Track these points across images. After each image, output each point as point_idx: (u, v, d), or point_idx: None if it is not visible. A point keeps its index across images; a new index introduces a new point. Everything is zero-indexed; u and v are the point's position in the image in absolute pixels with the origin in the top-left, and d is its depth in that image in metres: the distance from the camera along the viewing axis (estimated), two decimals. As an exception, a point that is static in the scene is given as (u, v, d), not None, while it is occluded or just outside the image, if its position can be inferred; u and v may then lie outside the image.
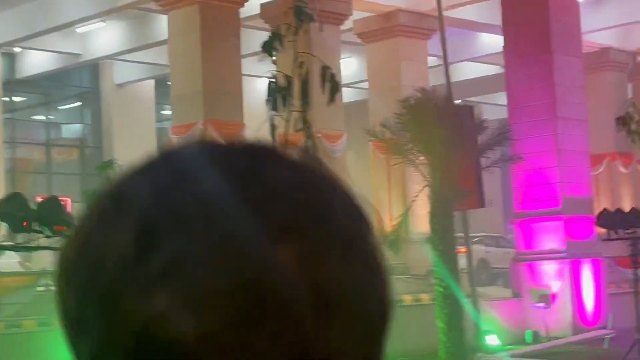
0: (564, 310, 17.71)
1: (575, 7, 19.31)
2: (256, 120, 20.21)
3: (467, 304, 16.48)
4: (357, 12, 25.39)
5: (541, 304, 17.90)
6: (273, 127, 7.48)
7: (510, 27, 19.15)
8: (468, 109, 17.05)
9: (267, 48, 8.02)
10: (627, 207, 28.36)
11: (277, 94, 7.19)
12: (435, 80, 28.24)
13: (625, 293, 21.04)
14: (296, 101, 7.58)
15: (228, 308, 0.59)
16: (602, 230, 26.76)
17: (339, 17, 24.23)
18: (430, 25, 24.73)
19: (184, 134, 20.64)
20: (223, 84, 21.44)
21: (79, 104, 34.78)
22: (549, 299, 17.84)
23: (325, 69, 6.74)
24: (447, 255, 14.10)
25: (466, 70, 33.66)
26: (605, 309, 18.08)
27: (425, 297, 17.71)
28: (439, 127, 14.05)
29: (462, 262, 23.09)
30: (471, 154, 16.22)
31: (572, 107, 18.38)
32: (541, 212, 18.02)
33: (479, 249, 29.37)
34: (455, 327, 14.13)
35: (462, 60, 31.25)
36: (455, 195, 15.93)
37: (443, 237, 14.03)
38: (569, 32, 18.78)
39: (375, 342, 0.66)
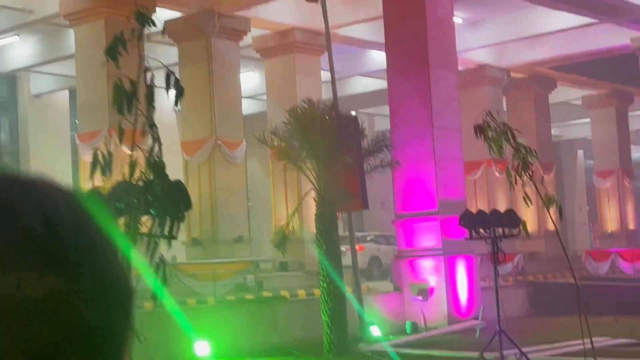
0: (440, 302, 18.38)
1: (450, 26, 19.96)
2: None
3: (351, 298, 17.17)
4: (257, 30, 25.56)
5: (420, 297, 18.48)
6: (121, 131, 7.59)
7: (392, 45, 19.73)
8: (352, 119, 17.56)
9: (111, 53, 8.03)
10: (502, 209, 29.78)
11: (123, 98, 7.29)
12: (329, 93, 30.29)
13: (487, 287, 23.19)
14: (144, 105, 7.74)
15: None
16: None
17: (238, 34, 24.57)
18: (323, 42, 24.80)
19: (90, 141, 20.34)
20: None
21: (-4, 114, 36.94)
22: (427, 292, 18.45)
23: (169, 75, 6.87)
24: (331, 253, 14.47)
25: (360, 84, 34.00)
26: (477, 302, 18.72)
27: (317, 292, 18.10)
28: (324, 135, 14.50)
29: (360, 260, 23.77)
30: (355, 160, 16.67)
31: (447, 118, 19.00)
32: (420, 213, 18.66)
33: (371, 247, 30.77)
34: (339, 320, 14.55)
35: (353, 75, 31.88)
36: (341, 198, 16.55)
37: (327, 236, 14.40)
38: (445, 49, 19.45)
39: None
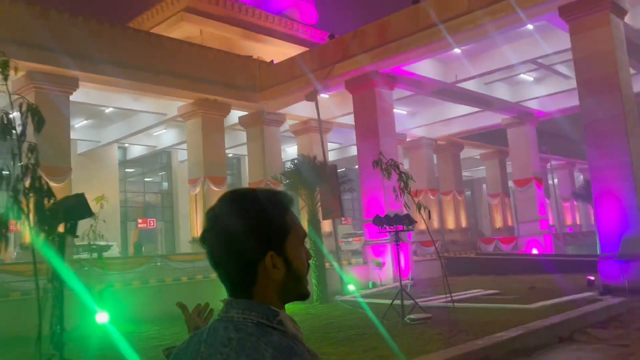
0: (389, 270, 20.25)
1: (391, 113, 22.16)
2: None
3: (338, 269, 18.74)
4: (290, 120, 27.89)
5: (377, 267, 20.56)
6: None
7: (359, 127, 22.28)
8: (334, 167, 19.69)
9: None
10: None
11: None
12: (334, 155, 33.33)
13: (423, 260, 24.75)
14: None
15: (217, 231, 1.13)
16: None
17: (278, 123, 26.96)
18: (327, 126, 27.51)
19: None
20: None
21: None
22: (382, 264, 20.46)
23: (32, 110, 6.54)
24: (318, 243, 16.44)
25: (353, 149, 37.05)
26: (411, 269, 20.81)
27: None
28: (312, 175, 16.66)
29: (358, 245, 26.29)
30: (335, 190, 18.81)
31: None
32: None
33: (351, 241, 32.57)
34: (322, 281, 16.58)
35: (350, 145, 34.44)
36: (327, 211, 18.79)
37: (315, 234, 16.41)
38: (387, 125, 21.73)
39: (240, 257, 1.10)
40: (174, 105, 25.05)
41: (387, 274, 20.81)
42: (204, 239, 1.12)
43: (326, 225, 23.83)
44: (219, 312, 1.13)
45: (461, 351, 7.63)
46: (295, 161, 17.36)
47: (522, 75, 26.05)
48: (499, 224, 37.28)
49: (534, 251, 29.17)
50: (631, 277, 15.70)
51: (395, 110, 29.92)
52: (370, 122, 21.77)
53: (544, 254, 27.23)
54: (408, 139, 33.30)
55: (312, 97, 21.18)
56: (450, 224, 35.72)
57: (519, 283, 19.37)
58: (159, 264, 19.66)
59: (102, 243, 26.21)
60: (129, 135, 29.60)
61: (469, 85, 25.33)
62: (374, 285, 20.54)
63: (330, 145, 30.89)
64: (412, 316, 11.52)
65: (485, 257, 26.44)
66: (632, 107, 16.01)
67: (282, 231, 1.11)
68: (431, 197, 32.73)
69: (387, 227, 12.85)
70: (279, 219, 1.11)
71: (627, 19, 17.18)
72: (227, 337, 1.06)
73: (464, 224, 36.32)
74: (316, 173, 17.18)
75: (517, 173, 31.02)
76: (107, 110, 26.55)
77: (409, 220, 12.69)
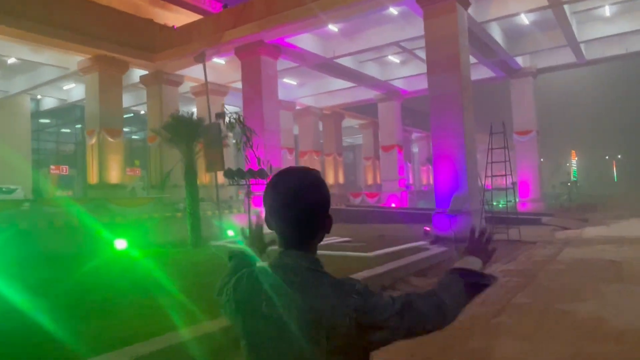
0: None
1: (274, 78, 20.06)
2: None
3: (214, 218, 16.94)
4: (191, 82, 25.23)
5: (254, 216, 20.03)
6: None
7: (245, 88, 20.10)
8: (217, 125, 16.46)
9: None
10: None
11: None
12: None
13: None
14: None
15: (274, 204, 1.20)
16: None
17: (177, 84, 24.23)
18: (225, 90, 26.16)
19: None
20: None
21: None
22: (259, 214, 19.59)
23: None
24: (193, 193, 14.45)
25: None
26: None
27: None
28: (191, 129, 14.28)
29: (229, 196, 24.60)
30: (218, 146, 16.25)
31: (272, 125, 19.36)
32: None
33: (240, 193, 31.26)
34: (195, 227, 14.46)
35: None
36: (211, 165, 16.47)
37: (191, 183, 14.43)
38: (271, 91, 19.90)
39: (315, 221, 1.20)
40: (76, 60, 22.02)
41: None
42: (285, 206, 1.19)
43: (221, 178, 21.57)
44: (274, 258, 1.19)
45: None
46: (175, 116, 14.69)
47: (389, 57, 24.81)
48: (370, 181, 36.90)
49: (393, 205, 28.74)
50: (457, 228, 15.08)
51: (286, 80, 27.96)
52: (255, 88, 19.75)
53: (399, 207, 26.84)
54: (298, 107, 31.43)
55: (200, 59, 18.80)
56: (330, 180, 34.65)
57: (374, 231, 18.50)
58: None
59: (6, 187, 22.71)
60: (35, 87, 25.93)
61: (346, 62, 23.79)
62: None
63: (230, 108, 28.15)
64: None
65: (352, 208, 25.42)
66: (467, 85, 15.17)
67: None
68: (315, 158, 31.48)
69: (238, 179, 11.91)
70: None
71: (470, 10, 16.13)
72: (289, 279, 1.15)
73: (341, 180, 35.44)
74: (194, 129, 14.80)
75: (384, 140, 30.34)
76: (10, 61, 22.88)
77: (260, 174, 10.51)
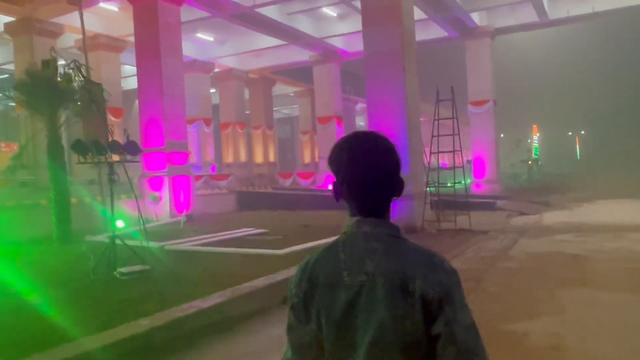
0: (165, 205, 17.42)
1: (176, 28, 18.27)
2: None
3: (96, 204, 14.12)
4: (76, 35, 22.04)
5: (153, 202, 17.41)
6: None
7: (140, 36, 18.30)
8: (98, 86, 16.34)
9: None
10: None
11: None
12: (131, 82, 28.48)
13: (208, 195, 22.12)
14: None
15: (348, 169, 1.27)
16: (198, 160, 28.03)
17: (55, 34, 21.89)
18: (123, 45, 24.12)
19: None
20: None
21: None
22: (158, 199, 17.40)
23: None
24: (58, 174, 12.86)
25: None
26: (191, 204, 18.05)
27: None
28: (52, 91, 12.33)
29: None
30: (102, 112, 16.37)
31: (174, 89, 17.87)
32: (155, 149, 17.49)
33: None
34: (64, 219, 12.87)
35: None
36: (91, 136, 16.35)
37: (56, 162, 12.85)
38: (173, 44, 18.05)
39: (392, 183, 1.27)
40: None
41: (163, 209, 17.80)
42: (364, 168, 1.26)
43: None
44: (347, 227, 1.27)
45: (107, 340, 4.49)
46: (31, 72, 12.62)
47: (324, 9, 23.30)
48: (308, 159, 35.72)
49: (330, 187, 27.63)
50: (398, 216, 14.00)
51: (200, 35, 26.02)
52: (151, 41, 17.79)
53: (324, 190, 25.81)
54: (217, 70, 29.41)
55: (75, 0, 16.22)
56: (259, 157, 33.08)
57: (300, 219, 17.58)
58: None
59: None
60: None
61: (271, 14, 22.13)
62: (148, 221, 17.12)
63: (129, 69, 25.91)
64: (123, 269, 8.50)
65: (279, 192, 24.31)
66: (411, 42, 14.04)
67: None
68: (239, 131, 29.81)
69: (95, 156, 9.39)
70: None
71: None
72: (372, 247, 1.21)
73: (272, 158, 33.91)
74: (58, 89, 12.64)
75: (321, 110, 29.09)
76: None
77: (133, 148, 9.72)
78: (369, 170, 1.24)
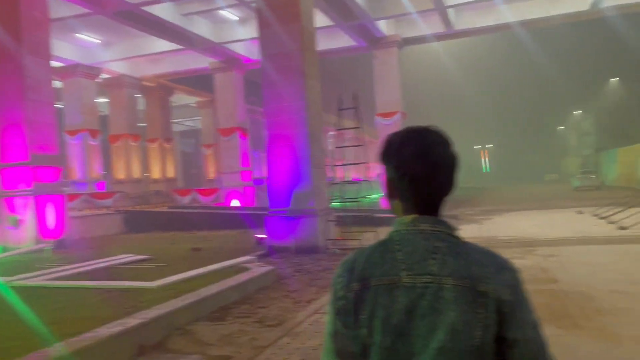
0: (29, 229, 15.34)
1: (44, 23, 16.54)
2: None
3: None
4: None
5: (13, 226, 15.41)
6: None
7: None
8: None
9: None
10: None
11: None
12: None
13: (89, 216, 20.14)
14: None
15: (411, 163, 1.19)
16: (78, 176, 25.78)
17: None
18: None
19: None
20: None
21: None
22: (17, 222, 15.36)
23: None
24: None
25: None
26: (64, 227, 15.96)
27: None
28: None
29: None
30: None
31: (40, 94, 15.91)
32: (16, 163, 15.52)
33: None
34: None
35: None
36: None
37: None
38: (39, 41, 16.23)
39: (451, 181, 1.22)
40: None
41: (26, 234, 15.74)
42: (421, 163, 1.23)
43: None
44: (402, 225, 1.22)
45: None
46: None
47: (223, 12, 22.07)
48: (212, 174, 34.05)
49: (235, 203, 26.28)
50: (300, 235, 13.04)
51: (83, 36, 23.91)
52: (12, 37, 15.83)
53: (239, 207, 24.59)
54: (105, 75, 27.12)
55: None
56: (156, 173, 30.91)
57: (193, 242, 16.39)
58: None
59: None
60: None
61: (163, 14, 20.46)
62: (6, 249, 15.35)
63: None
64: None
65: (175, 211, 22.81)
66: (311, 44, 13.23)
67: None
68: (132, 144, 27.63)
69: None
70: None
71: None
72: (434, 246, 1.17)
73: (170, 173, 31.85)
74: None
75: (222, 122, 27.70)
76: None
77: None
78: (436, 165, 1.22)
